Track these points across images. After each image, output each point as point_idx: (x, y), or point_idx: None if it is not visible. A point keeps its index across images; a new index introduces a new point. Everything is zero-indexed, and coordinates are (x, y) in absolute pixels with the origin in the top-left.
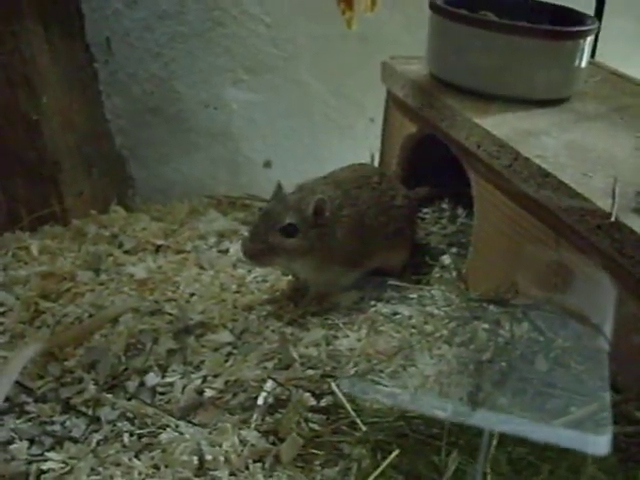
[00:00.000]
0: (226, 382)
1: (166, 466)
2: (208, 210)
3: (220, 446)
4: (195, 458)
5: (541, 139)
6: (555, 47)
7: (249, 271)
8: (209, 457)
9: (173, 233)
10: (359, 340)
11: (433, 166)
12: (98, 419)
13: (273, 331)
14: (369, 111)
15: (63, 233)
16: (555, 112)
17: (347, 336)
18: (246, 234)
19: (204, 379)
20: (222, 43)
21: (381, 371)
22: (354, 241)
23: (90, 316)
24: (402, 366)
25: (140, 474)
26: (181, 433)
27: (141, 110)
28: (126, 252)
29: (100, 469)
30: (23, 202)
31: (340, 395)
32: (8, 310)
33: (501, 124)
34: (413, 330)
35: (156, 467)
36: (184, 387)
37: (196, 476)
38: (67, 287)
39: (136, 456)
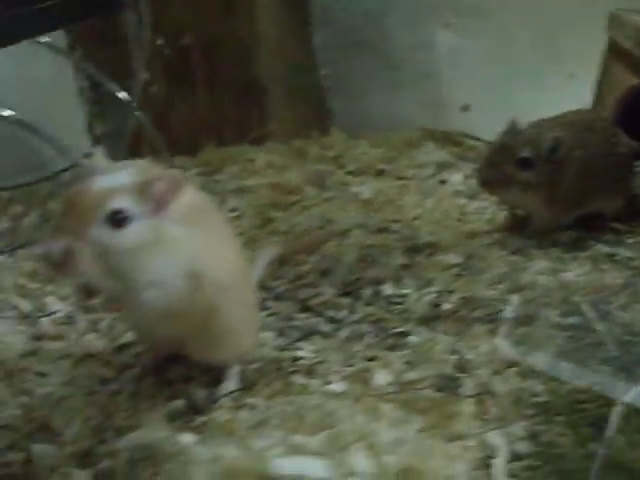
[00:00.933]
0: (461, 298)
1: (422, 362)
2: (424, 142)
3: (477, 348)
4: (453, 357)
5: None
6: None
7: (469, 201)
8: (469, 356)
9: (392, 160)
10: (583, 275)
11: None
12: (335, 320)
13: (498, 258)
14: (570, 67)
15: (285, 151)
16: None
17: (570, 270)
18: (478, 165)
19: (439, 294)
20: None
21: (609, 303)
22: (580, 182)
23: (319, 228)
24: (629, 303)
25: (395, 369)
26: (429, 337)
27: (349, 44)
28: (349, 173)
29: (353, 362)
30: (229, 122)
31: (590, 314)
32: (242, 215)
33: None
34: (634, 272)
35: (409, 363)
36: (419, 299)
37: (458, 372)
38: (295, 200)
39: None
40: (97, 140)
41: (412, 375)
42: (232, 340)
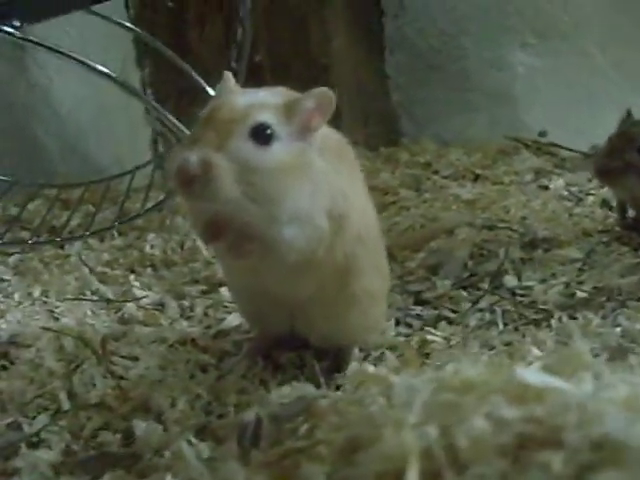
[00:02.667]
0: (594, 287)
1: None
2: (518, 151)
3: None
4: (615, 329)
5: None
6: None
7: (575, 205)
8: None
9: (488, 166)
10: None
11: None
12: (457, 311)
13: (622, 253)
14: None
15: (374, 157)
16: None
17: None
18: (596, 154)
19: (567, 285)
20: (515, 3)
21: None
22: None
23: (422, 226)
24: None
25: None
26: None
27: (423, 67)
28: (444, 177)
29: (493, 344)
30: None
31: None
32: None
33: None
34: None
35: (562, 342)
36: (546, 290)
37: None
38: (391, 200)
39: (523, 337)
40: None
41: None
42: (363, 313)
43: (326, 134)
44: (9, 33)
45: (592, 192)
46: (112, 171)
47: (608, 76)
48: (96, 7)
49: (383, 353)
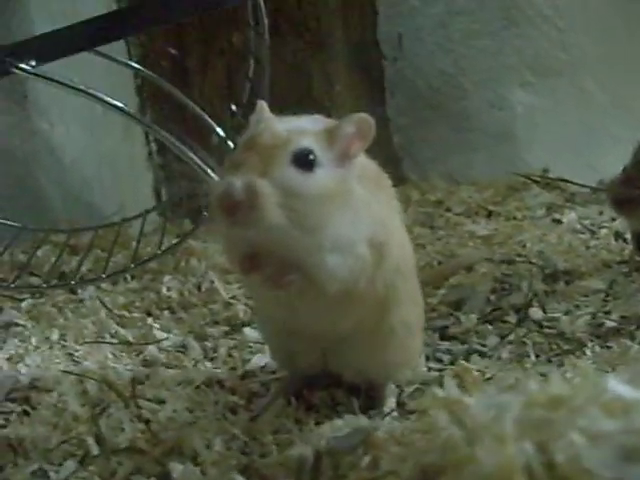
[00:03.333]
0: (622, 317)
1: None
2: (527, 186)
3: None
4: None
5: None
6: None
7: (590, 237)
8: None
9: (500, 203)
10: None
11: None
12: (485, 345)
13: None
14: None
15: None
16: None
17: None
18: (610, 185)
19: (593, 315)
20: (514, 43)
21: None
22: None
23: (439, 263)
24: None
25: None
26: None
27: (423, 107)
28: (457, 214)
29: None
30: None
31: None
32: None
33: None
34: None
35: (601, 370)
36: (573, 321)
37: None
38: None
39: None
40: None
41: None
42: (400, 346)
43: (364, 162)
44: (25, 70)
45: (605, 225)
46: (116, 218)
47: (607, 112)
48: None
49: (417, 389)
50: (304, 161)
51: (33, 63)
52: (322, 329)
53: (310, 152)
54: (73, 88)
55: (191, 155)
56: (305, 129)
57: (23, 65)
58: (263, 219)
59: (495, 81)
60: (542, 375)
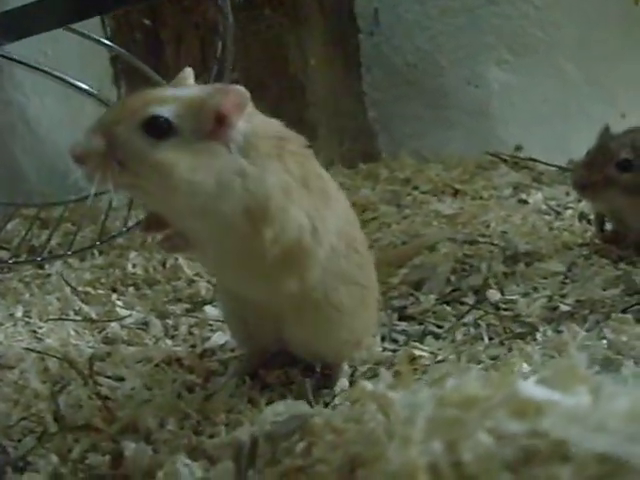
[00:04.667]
0: (577, 300)
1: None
2: (496, 165)
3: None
4: (602, 342)
5: None
6: None
7: (555, 219)
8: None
9: (467, 181)
10: None
11: None
12: (441, 327)
13: (603, 266)
14: (622, 106)
15: (353, 174)
16: None
17: None
18: (576, 167)
19: (550, 298)
20: (491, 21)
21: None
22: None
23: (403, 243)
24: None
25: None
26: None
27: (400, 83)
28: (423, 193)
29: (480, 359)
30: None
31: None
32: None
33: None
34: None
35: (549, 355)
36: (530, 304)
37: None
38: (372, 216)
39: (509, 351)
40: None
41: (561, 362)
42: (348, 326)
43: (262, 131)
44: None
45: (570, 206)
46: (89, 189)
47: (582, 91)
48: (74, 25)
49: (370, 368)
50: (153, 127)
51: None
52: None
53: (160, 119)
54: (41, 71)
55: None
56: (172, 96)
57: None
58: (89, 166)
59: (472, 59)
60: (493, 358)
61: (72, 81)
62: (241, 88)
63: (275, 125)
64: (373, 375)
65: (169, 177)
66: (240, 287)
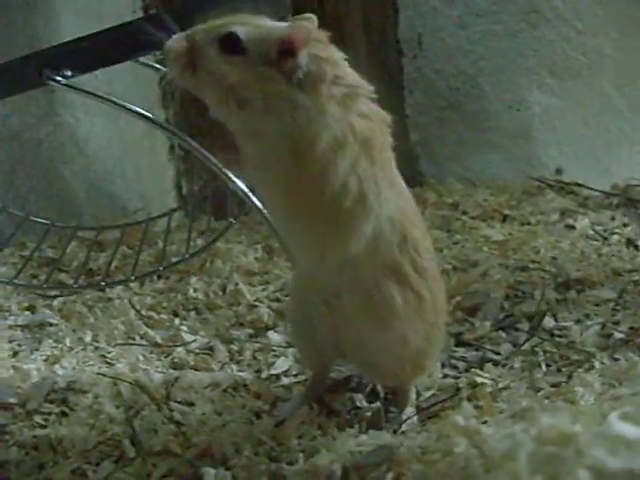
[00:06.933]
0: (631, 328)
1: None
2: (542, 191)
3: None
4: None
5: None
6: None
7: (602, 244)
8: None
9: (515, 207)
10: None
11: None
12: (498, 353)
13: None
14: None
15: None
16: None
17: None
18: None
19: (603, 325)
20: (532, 45)
21: None
22: None
23: (454, 269)
24: None
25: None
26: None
27: (442, 106)
28: (472, 218)
29: (540, 386)
30: None
31: None
32: None
33: None
34: None
35: (609, 384)
36: (583, 331)
37: None
38: None
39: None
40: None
41: (622, 391)
42: (404, 332)
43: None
44: (58, 82)
45: (617, 231)
46: (137, 210)
47: (624, 115)
48: None
49: (434, 394)
50: (228, 43)
51: (68, 73)
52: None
53: (235, 37)
54: (104, 99)
55: (214, 161)
56: (248, 21)
57: (58, 77)
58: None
59: (513, 82)
60: (553, 386)
61: (135, 108)
62: (308, 24)
63: (351, 74)
64: (437, 402)
65: (219, 87)
66: (286, 231)
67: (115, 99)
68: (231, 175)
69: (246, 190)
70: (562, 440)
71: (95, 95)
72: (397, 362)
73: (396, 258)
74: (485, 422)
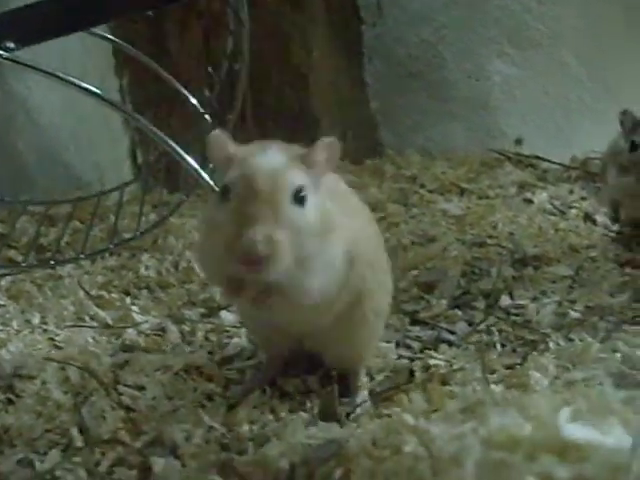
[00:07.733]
0: (586, 307)
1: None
2: (502, 163)
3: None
4: (616, 355)
5: None
6: None
7: (560, 219)
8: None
9: (473, 180)
10: None
11: None
12: (453, 332)
13: (607, 271)
14: (624, 101)
15: (359, 171)
16: None
17: None
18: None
19: (559, 304)
20: (494, 14)
21: None
22: None
23: (412, 243)
24: None
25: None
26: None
27: (402, 74)
28: (430, 192)
29: (494, 368)
30: None
31: None
32: None
33: None
34: None
35: (563, 366)
36: (539, 309)
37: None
38: (380, 216)
39: (523, 360)
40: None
41: (577, 375)
42: (371, 332)
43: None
44: (1, 56)
45: (575, 205)
46: (92, 180)
47: (583, 84)
48: None
49: (387, 377)
50: (300, 198)
51: (12, 45)
52: (301, 327)
53: (303, 188)
54: (51, 75)
55: (171, 143)
56: (289, 164)
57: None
58: (280, 266)
59: (474, 52)
60: (508, 368)
61: (83, 85)
62: (335, 140)
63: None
64: (390, 388)
65: (317, 237)
66: (293, 324)
67: (62, 74)
68: (182, 152)
69: (197, 167)
70: (511, 445)
71: (40, 70)
72: (361, 348)
73: (366, 285)
74: (435, 411)
